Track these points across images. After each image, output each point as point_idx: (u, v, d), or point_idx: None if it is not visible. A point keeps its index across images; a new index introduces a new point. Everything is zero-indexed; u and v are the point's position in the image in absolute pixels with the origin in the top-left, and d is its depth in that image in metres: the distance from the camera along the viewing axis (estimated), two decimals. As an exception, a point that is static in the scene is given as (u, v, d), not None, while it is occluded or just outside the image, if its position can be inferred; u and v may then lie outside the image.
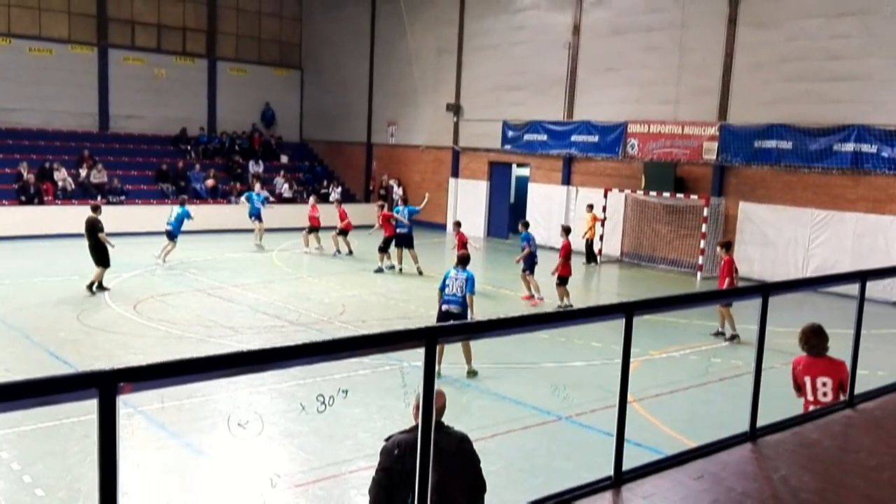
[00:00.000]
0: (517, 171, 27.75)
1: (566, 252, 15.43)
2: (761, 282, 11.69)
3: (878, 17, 17.73)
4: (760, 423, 4.68)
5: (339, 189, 29.77)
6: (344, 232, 21.24)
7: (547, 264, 16.43)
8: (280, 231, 24.45)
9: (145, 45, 30.41)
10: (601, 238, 22.11)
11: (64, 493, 6.85)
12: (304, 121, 34.61)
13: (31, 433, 7.96)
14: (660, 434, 8.44)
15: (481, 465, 4.59)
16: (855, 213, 18.23)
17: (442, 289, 10.57)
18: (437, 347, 3.22)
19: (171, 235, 18.69)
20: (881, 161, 17.68)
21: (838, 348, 6.27)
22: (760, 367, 4.64)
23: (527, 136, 25.53)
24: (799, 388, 6.25)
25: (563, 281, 15.43)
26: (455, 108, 27.89)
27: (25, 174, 23.92)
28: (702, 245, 20.28)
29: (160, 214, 20.55)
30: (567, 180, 24.63)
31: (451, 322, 9.14)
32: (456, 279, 10.48)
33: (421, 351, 3.08)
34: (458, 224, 18.39)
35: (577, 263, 19.94)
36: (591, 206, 22.00)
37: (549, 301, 15.68)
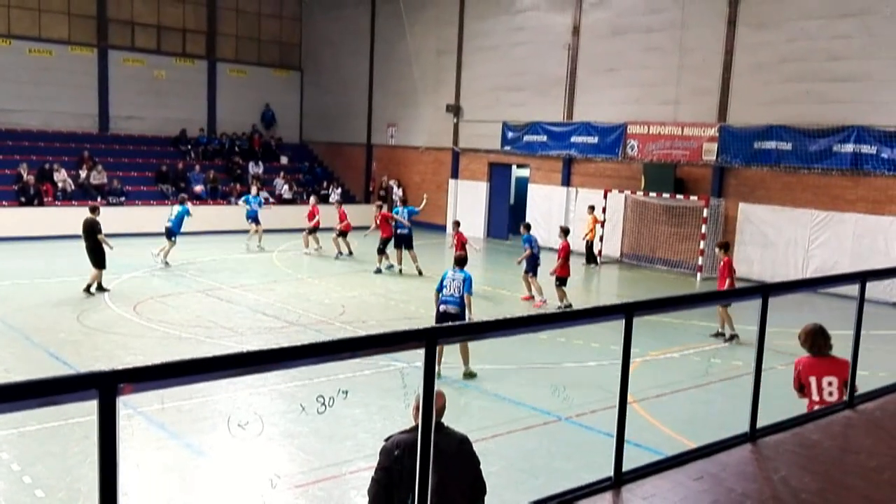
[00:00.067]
0: (517, 172, 27.75)
1: (565, 253, 15.43)
2: (761, 283, 11.70)
3: (878, 18, 17.74)
4: (760, 423, 4.67)
5: (339, 190, 29.78)
6: (343, 233, 21.24)
7: (548, 266, 16.43)
8: (280, 232, 24.46)
9: (145, 46, 30.41)
10: (601, 239, 22.11)
11: (64, 493, 6.85)
12: (304, 122, 34.61)
13: (31, 434, 7.96)
14: (660, 435, 8.44)
15: (481, 466, 4.59)
16: (855, 214, 18.24)
17: (439, 289, 10.57)
18: (437, 348, 3.22)
19: (171, 234, 18.65)
20: (881, 162, 17.69)
21: (838, 349, 6.28)
22: (760, 368, 4.64)
23: (527, 137, 25.53)
24: (801, 389, 6.24)
25: (562, 282, 15.44)
26: (455, 109, 27.90)
27: (25, 175, 23.92)
28: (701, 246, 20.28)
29: (160, 215, 20.54)
30: (567, 181, 24.63)
31: (452, 323, 9.13)
32: (453, 280, 10.48)
33: (421, 352, 3.08)
34: (457, 224, 18.37)
35: (577, 264, 19.96)
36: (592, 208, 22.01)
37: (552, 303, 15.69)
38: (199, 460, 7.93)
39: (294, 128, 34.33)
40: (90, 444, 6.99)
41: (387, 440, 4.46)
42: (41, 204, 23.67)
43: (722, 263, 13.47)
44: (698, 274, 20.32)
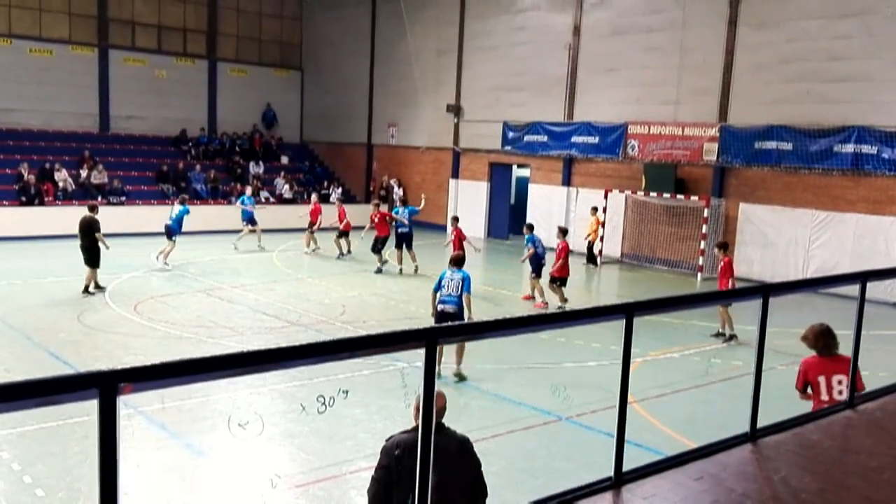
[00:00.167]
0: (517, 172, 27.75)
1: (565, 253, 15.41)
2: (761, 283, 11.69)
3: (878, 18, 17.73)
4: (760, 423, 4.67)
5: (339, 190, 29.79)
6: (344, 233, 21.23)
7: (549, 267, 16.42)
8: (280, 232, 24.46)
9: (146, 45, 30.42)
10: (601, 239, 22.11)
11: (64, 493, 6.85)
12: (305, 122, 34.62)
13: (31, 434, 7.96)
14: (660, 435, 8.44)
15: (482, 467, 4.59)
16: (855, 215, 18.23)
17: (437, 289, 10.55)
18: (438, 348, 3.22)
19: (170, 234, 18.56)
20: (881, 162, 17.68)
21: (839, 349, 6.28)
22: (761, 368, 4.64)
23: (527, 137, 25.53)
24: (804, 390, 6.23)
25: (562, 282, 15.42)
26: (455, 109, 27.90)
27: (26, 175, 23.94)
28: (702, 246, 20.28)
29: (160, 215, 20.53)
30: (567, 181, 24.63)
31: (452, 323, 9.13)
32: (452, 280, 10.47)
33: (421, 352, 3.08)
34: (455, 219, 18.31)
35: (577, 264, 19.95)
36: (595, 209, 21.98)
37: (553, 304, 15.68)
38: (199, 460, 7.93)
39: (294, 128, 34.34)
40: (90, 444, 6.99)
41: (388, 440, 4.47)
42: (42, 204, 23.69)
43: (722, 264, 13.46)
44: (699, 274, 20.31)
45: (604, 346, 12.07)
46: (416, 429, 3.84)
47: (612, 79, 23.17)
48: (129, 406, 8.25)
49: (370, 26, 31.14)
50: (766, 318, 4.62)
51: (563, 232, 15.91)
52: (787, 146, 19.25)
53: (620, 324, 3.85)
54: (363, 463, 7.38)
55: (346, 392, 9.02)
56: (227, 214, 25.67)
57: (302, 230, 22.58)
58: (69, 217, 21.05)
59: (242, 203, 22.84)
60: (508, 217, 27.08)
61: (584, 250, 21.88)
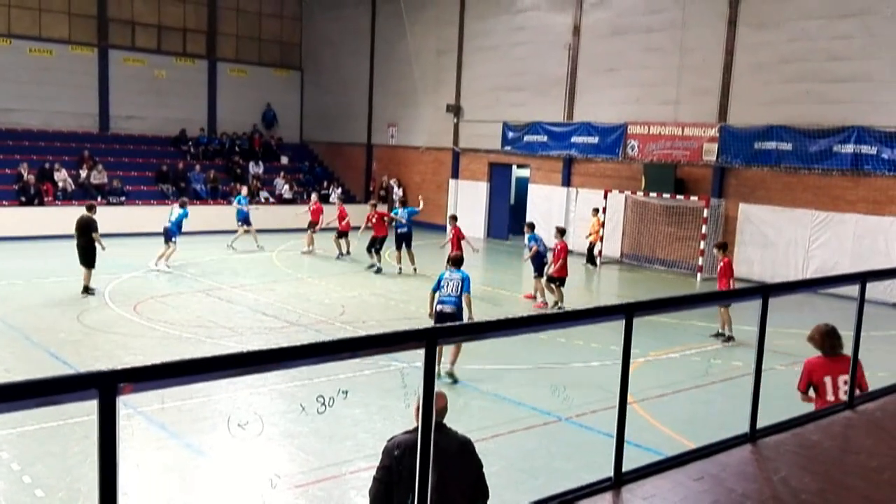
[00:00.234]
0: (517, 173, 27.75)
1: (564, 254, 15.40)
2: (761, 283, 11.70)
3: (878, 18, 17.73)
4: (760, 423, 4.67)
5: (339, 190, 29.79)
6: (343, 233, 21.23)
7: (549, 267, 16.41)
8: (280, 232, 24.46)
9: (145, 45, 30.42)
10: (601, 239, 22.10)
11: (64, 493, 6.85)
12: (305, 122, 34.61)
13: (31, 434, 7.96)
14: (660, 435, 8.44)
15: (483, 468, 4.60)
16: (855, 215, 18.23)
17: (435, 290, 10.55)
18: (437, 348, 3.22)
19: (169, 237, 18.27)
20: (881, 162, 17.68)
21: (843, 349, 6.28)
22: (760, 369, 4.64)
23: (527, 138, 25.53)
24: (806, 391, 6.22)
25: (560, 282, 15.41)
26: (455, 109, 27.89)
27: (26, 175, 23.93)
28: (702, 246, 20.28)
29: (160, 215, 20.51)
30: (567, 181, 24.63)
31: (452, 323, 9.13)
32: (451, 280, 10.47)
33: (421, 352, 3.08)
34: (453, 218, 18.28)
35: (577, 264, 19.96)
36: (596, 210, 21.97)
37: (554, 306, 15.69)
38: (199, 460, 7.93)
39: (294, 128, 34.34)
40: (90, 444, 6.99)
41: (389, 440, 4.50)
42: (41, 203, 23.68)
43: (722, 264, 13.46)
44: (698, 274, 20.31)
45: (604, 346, 12.07)
46: (416, 429, 3.84)
47: (612, 79, 23.17)
48: (129, 406, 8.25)
49: (370, 26, 31.14)
50: (765, 318, 4.62)
51: (562, 232, 15.90)
52: (787, 146, 19.25)
53: (620, 324, 3.85)
54: (363, 463, 7.38)
55: (346, 392, 9.03)
56: (226, 214, 25.60)
57: (301, 230, 22.57)
58: (69, 217, 20.98)
59: (239, 203, 22.83)
60: (508, 217, 27.08)
61: (584, 250, 21.88)
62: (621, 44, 22.77)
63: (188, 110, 31.10)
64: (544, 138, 24.96)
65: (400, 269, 18.98)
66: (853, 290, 5.37)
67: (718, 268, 13.71)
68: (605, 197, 22.43)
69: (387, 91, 30.72)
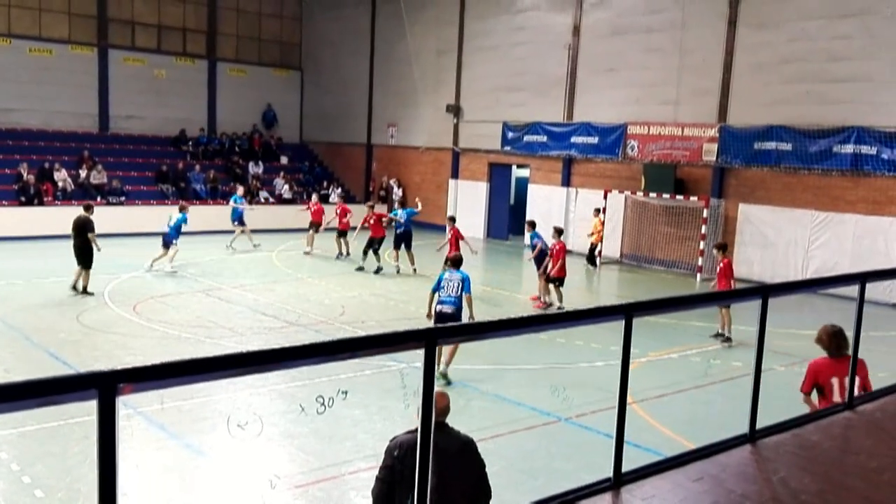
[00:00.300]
0: (517, 173, 27.75)
1: (563, 254, 15.39)
2: (761, 283, 11.69)
3: (878, 19, 17.74)
4: (760, 424, 4.67)
5: (339, 190, 29.79)
6: (343, 233, 21.23)
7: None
8: (280, 232, 24.44)
9: (145, 45, 30.42)
10: (601, 239, 22.10)
11: (63, 493, 6.85)
12: (304, 122, 34.61)
13: (31, 434, 7.96)
14: (659, 435, 8.44)
15: (486, 468, 4.60)
16: (855, 215, 18.23)
17: (435, 290, 10.55)
18: (437, 349, 3.22)
19: (167, 242, 17.88)
20: (881, 163, 17.68)
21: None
22: (760, 369, 4.64)
23: (527, 138, 25.53)
24: (809, 392, 6.21)
25: (559, 282, 15.40)
26: (455, 110, 27.89)
27: (25, 175, 23.93)
28: (701, 247, 20.28)
29: (160, 215, 20.49)
30: (567, 182, 24.63)
31: (452, 323, 9.13)
32: (451, 280, 10.46)
33: (421, 352, 3.08)
34: (452, 219, 18.26)
35: (577, 265, 19.95)
36: (598, 211, 21.96)
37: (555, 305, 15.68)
38: (198, 460, 7.93)
39: (294, 128, 34.33)
40: (90, 444, 6.97)
41: (391, 441, 4.52)
42: (41, 203, 23.67)
43: (721, 265, 13.45)
44: (698, 275, 20.31)
45: (603, 346, 12.07)
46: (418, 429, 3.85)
47: (612, 79, 23.17)
48: (129, 406, 8.25)
49: (370, 26, 31.13)
50: (765, 318, 4.61)
51: (559, 232, 15.89)
52: (787, 146, 19.25)
53: (620, 324, 3.85)
54: (362, 464, 7.39)
55: (346, 393, 9.03)
56: (226, 214, 25.58)
57: (301, 229, 22.56)
58: (68, 217, 20.91)
59: (235, 202, 22.82)
60: (508, 217, 27.08)
61: (583, 250, 21.88)
62: (621, 44, 22.77)
63: (188, 110, 31.09)
64: (544, 138, 24.96)
65: (398, 268, 18.97)
66: (853, 290, 5.37)
67: (718, 268, 13.70)
68: (605, 197, 22.42)
69: (387, 91, 30.72)
